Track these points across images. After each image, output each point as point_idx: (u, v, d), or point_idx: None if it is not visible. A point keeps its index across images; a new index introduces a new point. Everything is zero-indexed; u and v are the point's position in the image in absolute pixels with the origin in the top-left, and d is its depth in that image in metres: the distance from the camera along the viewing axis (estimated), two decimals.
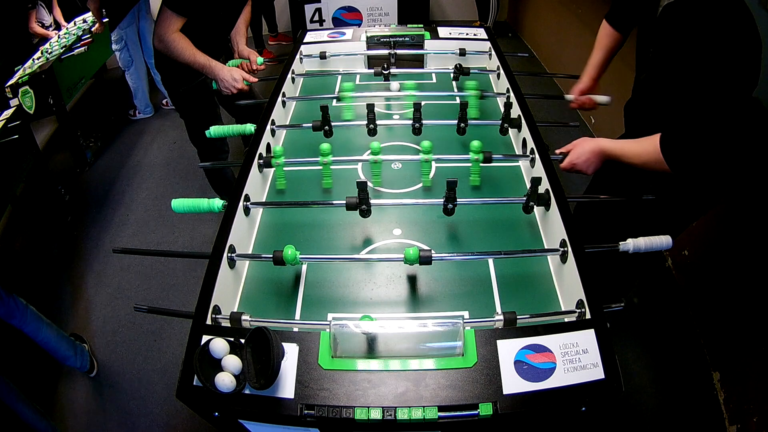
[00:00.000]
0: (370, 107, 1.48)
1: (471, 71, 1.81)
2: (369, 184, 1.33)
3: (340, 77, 1.97)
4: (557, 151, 1.34)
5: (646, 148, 1.16)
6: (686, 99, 1.17)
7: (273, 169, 1.42)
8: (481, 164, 1.34)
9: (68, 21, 3.54)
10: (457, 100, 1.75)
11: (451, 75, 1.82)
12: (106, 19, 3.22)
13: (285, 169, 1.41)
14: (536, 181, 1.16)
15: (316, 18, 4.05)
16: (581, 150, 1.28)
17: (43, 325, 1.73)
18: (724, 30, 1.02)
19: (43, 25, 3.39)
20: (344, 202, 1.18)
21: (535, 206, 1.21)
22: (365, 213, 1.19)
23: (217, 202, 1.18)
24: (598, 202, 1.60)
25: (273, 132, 1.54)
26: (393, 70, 1.92)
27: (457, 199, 1.18)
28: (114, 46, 3.24)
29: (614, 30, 1.51)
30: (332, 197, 1.38)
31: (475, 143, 1.31)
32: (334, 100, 1.81)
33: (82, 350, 1.89)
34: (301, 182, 1.45)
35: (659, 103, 1.29)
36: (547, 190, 1.20)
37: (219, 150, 2.19)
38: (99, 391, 1.90)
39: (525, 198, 1.19)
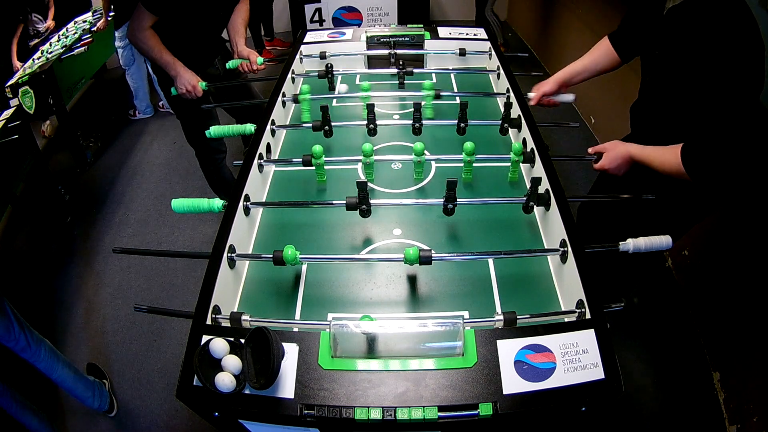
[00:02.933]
0: (370, 107, 1.48)
1: (468, 71, 1.82)
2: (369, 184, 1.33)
3: (340, 77, 1.97)
4: (590, 150, 1.37)
5: (668, 159, 1.17)
6: (692, 101, 1.17)
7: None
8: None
9: (68, 21, 3.54)
10: (457, 100, 1.75)
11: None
12: (113, 14, 3.21)
13: (285, 168, 1.41)
14: (536, 181, 1.16)
15: (316, 18, 4.04)
16: (614, 155, 1.30)
17: (58, 364, 1.63)
18: (728, 33, 1.03)
19: (38, 33, 3.40)
20: (344, 202, 1.18)
21: (535, 206, 1.21)
22: (365, 213, 1.19)
23: (217, 202, 1.18)
24: (600, 202, 1.60)
25: (273, 132, 1.54)
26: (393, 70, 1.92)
27: (457, 199, 1.18)
28: (117, 43, 3.23)
29: (613, 50, 1.45)
30: (332, 197, 1.38)
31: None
32: (334, 101, 1.81)
33: (100, 387, 1.78)
34: (301, 182, 1.45)
35: (665, 104, 1.29)
36: (547, 190, 1.20)
37: (216, 150, 2.19)
38: None
39: (525, 198, 1.19)
